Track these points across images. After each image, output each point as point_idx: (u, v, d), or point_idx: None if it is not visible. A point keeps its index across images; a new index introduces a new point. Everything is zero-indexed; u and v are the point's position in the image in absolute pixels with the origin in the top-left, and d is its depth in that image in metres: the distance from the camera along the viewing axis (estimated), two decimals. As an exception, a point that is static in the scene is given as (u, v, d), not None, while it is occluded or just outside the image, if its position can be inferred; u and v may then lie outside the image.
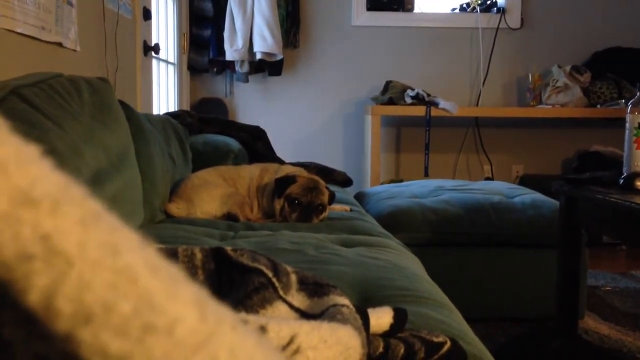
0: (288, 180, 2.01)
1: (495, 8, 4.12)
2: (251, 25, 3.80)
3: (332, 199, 2.03)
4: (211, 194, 2.04)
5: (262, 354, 0.24)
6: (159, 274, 0.23)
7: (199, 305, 0.23)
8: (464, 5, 4.17)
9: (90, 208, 0.23)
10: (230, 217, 1.98)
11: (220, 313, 0.24)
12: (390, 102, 3.75)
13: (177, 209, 2.00)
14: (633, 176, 1.84)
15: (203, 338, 0.22)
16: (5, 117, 0.25)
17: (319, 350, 0.55)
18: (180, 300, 0.23)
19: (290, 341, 0.54)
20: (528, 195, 2.58)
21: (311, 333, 0.56)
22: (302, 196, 1.96)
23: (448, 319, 1.03)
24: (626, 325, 2.39)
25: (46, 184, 0.22)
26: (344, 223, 1.91)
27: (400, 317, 0.78)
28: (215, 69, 4.04)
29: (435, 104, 3.69)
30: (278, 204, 2.01)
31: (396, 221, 2.36)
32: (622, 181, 1.85)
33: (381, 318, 0.75)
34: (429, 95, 3.75)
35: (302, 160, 3.03)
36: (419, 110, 3.68)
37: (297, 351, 0.54)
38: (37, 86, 1.38)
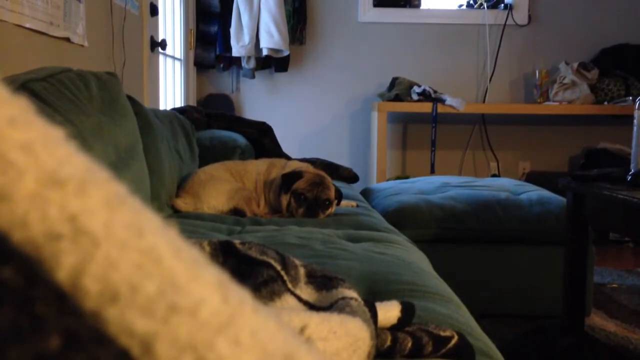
0: (294, 175, 2.01)
1: (503, 4, 4.10)
2: (258, 22, 3.80)
3: (340, 197, 2.04)
4: (218, 189, 2.04)
5: (282, 335, 0.24)
6: (182, 256, 0.23)
7: (221, 287, 0.23)
8: (471, 2, 4.16)
9: (115, 190, 0.23)
10: (237, 212, 1.99)
11: (241, 296, 0.24)
12: (397, 98, 3.74)
13: (184, 204, 2.01)
14: (641, 173, 1.84)
15: (226, 319, 0.22)
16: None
17: (329, 341, 0.55)
18: (203, 282, 0.23)
19: (301, 332, 0.55)
20: (535, 192, 2.57)
21: (321, 324, 0.56)
22: (308, 191, 1.97)
23: (455, 314, 1.03)
24: (632, 323, 2.38)
25: (72, 165, 0.22)
26: (351, 218, 1.91)
27: (407, 311, 0.78)
28: (221, 65, 4.04)
29: (442, 101, 3.68)
30: (285, 199, 2.01)
31: (402, 217, 2.36)
32: (629, 178, 1.85)
33: (389, 312, 0.75)
34: (435, 91, 3.74)
35: (308, 156, 3.03)
36: (426, 107, 3.68)
37: (307, 342, 0.54)
38: (47, 80, 1.38)
